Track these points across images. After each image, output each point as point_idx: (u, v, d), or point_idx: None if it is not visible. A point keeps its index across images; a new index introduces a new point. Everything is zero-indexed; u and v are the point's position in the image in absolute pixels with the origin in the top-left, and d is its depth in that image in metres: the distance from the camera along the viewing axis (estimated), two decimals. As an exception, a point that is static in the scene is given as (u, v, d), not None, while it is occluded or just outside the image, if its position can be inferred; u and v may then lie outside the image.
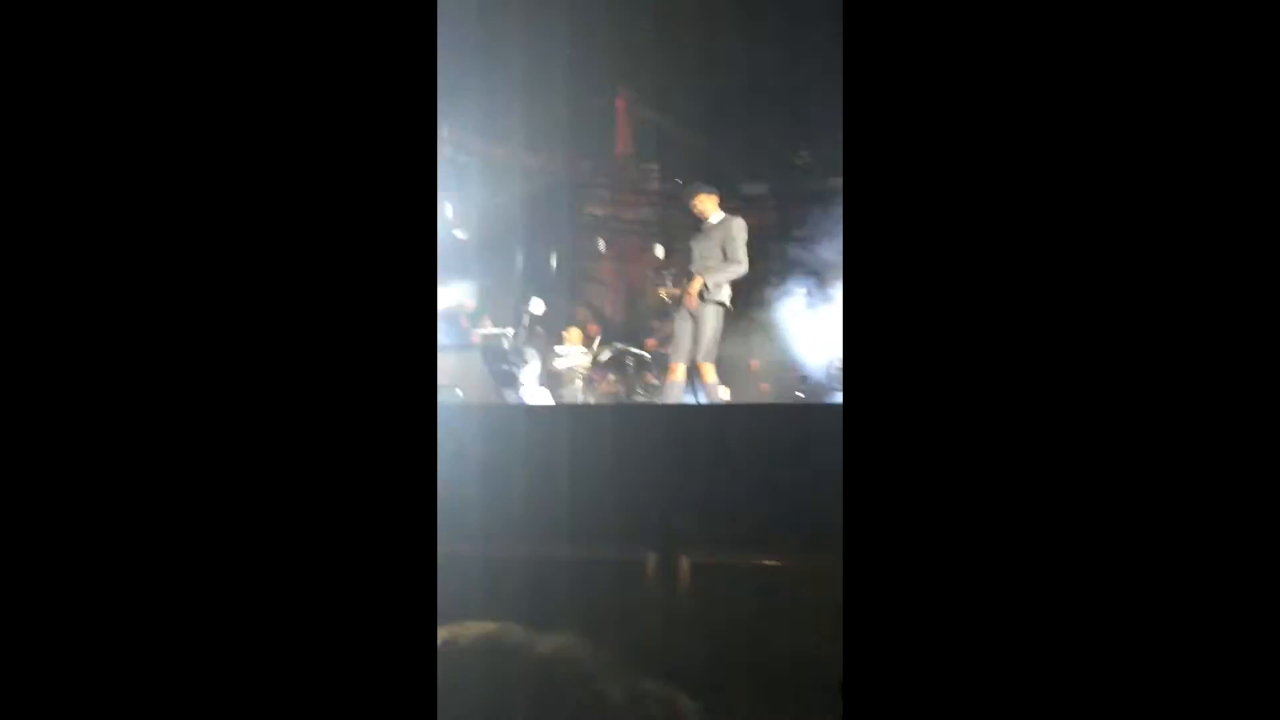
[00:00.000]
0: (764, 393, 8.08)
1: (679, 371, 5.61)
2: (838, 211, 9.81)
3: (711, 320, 5.53)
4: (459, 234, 8.59)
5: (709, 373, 5.58)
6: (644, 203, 9.78)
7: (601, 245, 9.50)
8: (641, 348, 7.70)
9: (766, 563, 3.17)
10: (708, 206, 5.61)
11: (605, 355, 7.48)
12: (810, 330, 8.15)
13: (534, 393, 7.16)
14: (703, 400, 5.54)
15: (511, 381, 6.98)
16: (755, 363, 8.18)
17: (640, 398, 7.11)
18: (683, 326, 5.61)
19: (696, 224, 5.70)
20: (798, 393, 6.78)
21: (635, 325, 9.00)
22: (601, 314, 10.08)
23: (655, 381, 7.17)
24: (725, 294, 5.57)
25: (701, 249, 5.61)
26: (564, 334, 7.94)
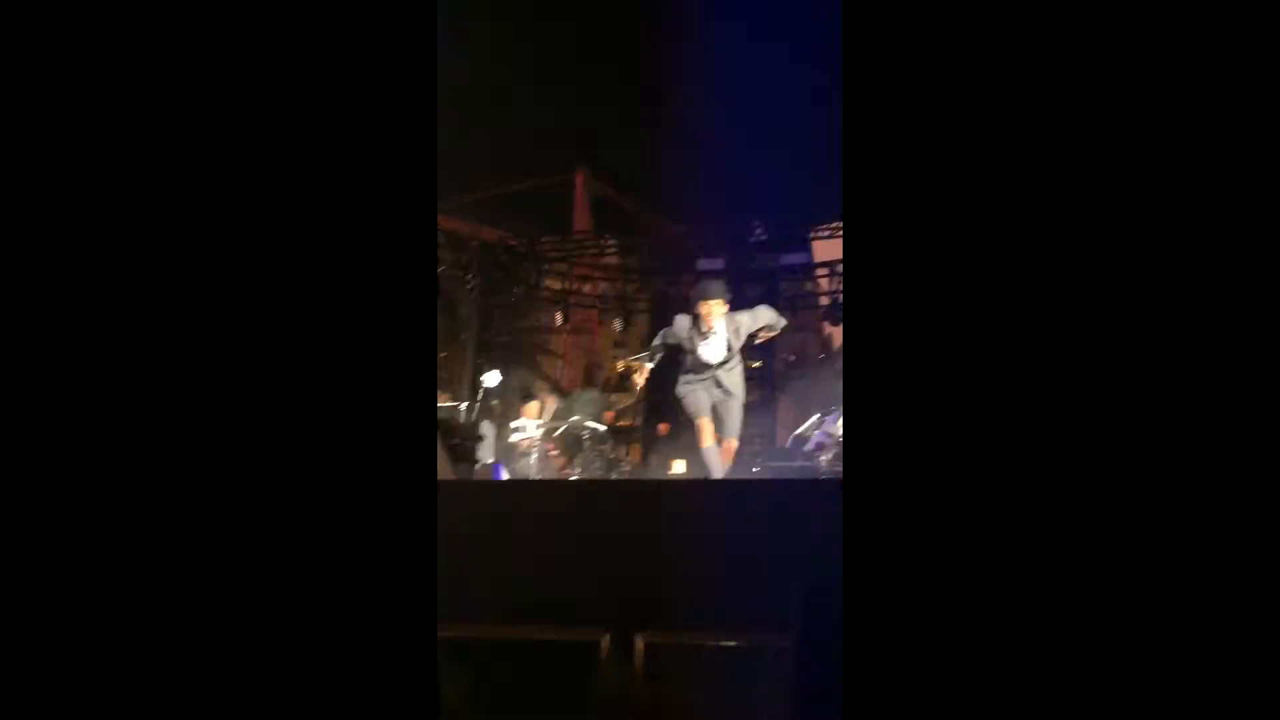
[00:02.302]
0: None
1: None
2: (790, 287, 9.97)
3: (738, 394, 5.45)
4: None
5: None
6: (602, 277, 9.86)
7: (559, 319, 9.52)
8: (599, 420, 7.66)
9: (724, 643, 3.11)
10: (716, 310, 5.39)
11: (560, 429, 7.42)
12: (766, 404, 8.18)
13: (488, 468, 7.05)
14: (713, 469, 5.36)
15: (466, 456, 6.88)
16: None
17: (597, 471, 7.04)
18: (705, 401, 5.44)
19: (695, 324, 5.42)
20: (754, 468, 6.76)
21: (592, 398, 8.97)
22: (558, 387, 10.05)
23: (612, 456, 7.12)
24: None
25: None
26: (523, 407, 7.88)
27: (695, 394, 5.39)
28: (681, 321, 5.47)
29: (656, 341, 5.62)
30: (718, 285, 5.58)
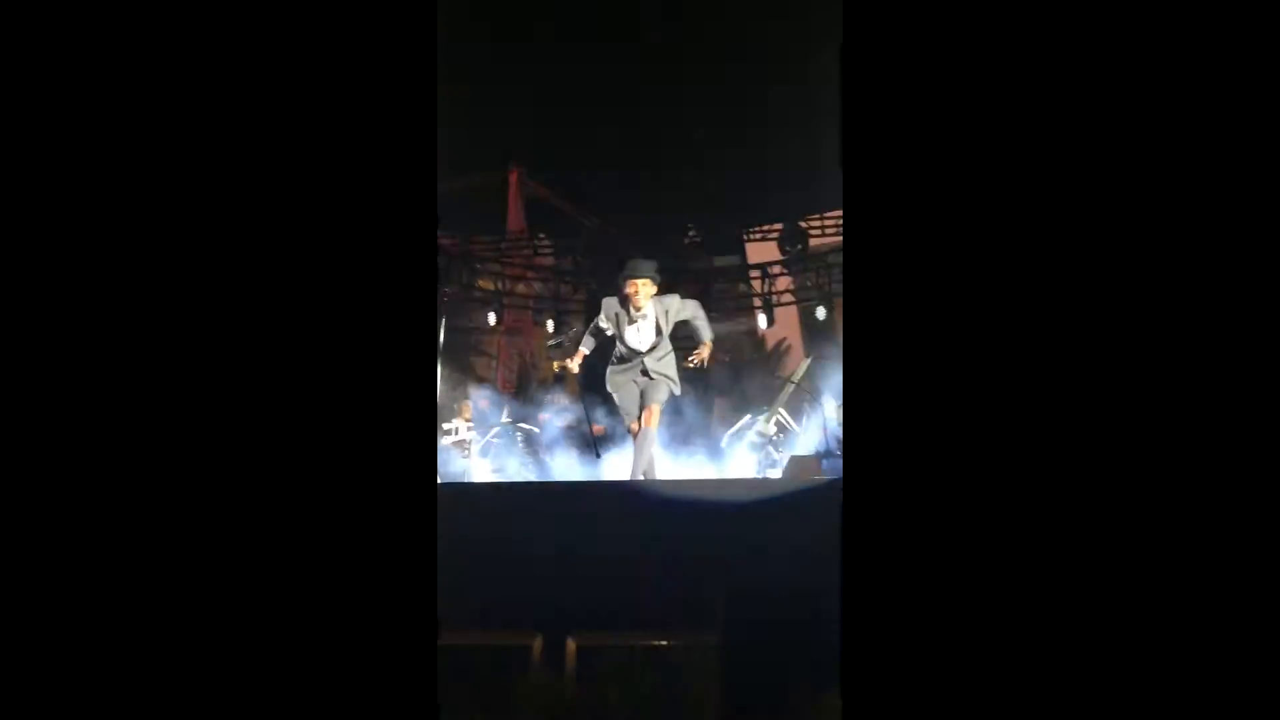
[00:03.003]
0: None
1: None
2: (725, 289, 10.06)
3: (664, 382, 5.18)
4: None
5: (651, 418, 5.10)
6: (535, 278, 9.82)
7: (492, 319, 9.46)
8: (533, 422, 7.64)
9: (653, 643, 3.13)
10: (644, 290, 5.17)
11: (494, 430, 7.38)
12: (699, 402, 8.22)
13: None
14: (643, 455, 5.05)
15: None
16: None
17: (529, 471, 7.02)
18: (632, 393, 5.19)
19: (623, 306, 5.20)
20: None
21: (526, 399, 8.93)
22: (493, 388, 9.97)
23: (546, 457, 7.11)
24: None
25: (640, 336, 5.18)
26: (456, 407, 7.82)
27: (624, 391, 5.15)
28: (610, 304, 5.23)
29: (589, 329, 5.34)
30: (647, 264, 5.27)
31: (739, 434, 7.15)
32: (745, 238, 9.63)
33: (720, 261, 10.01)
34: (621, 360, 5.19)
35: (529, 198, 9.35)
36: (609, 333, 5.24)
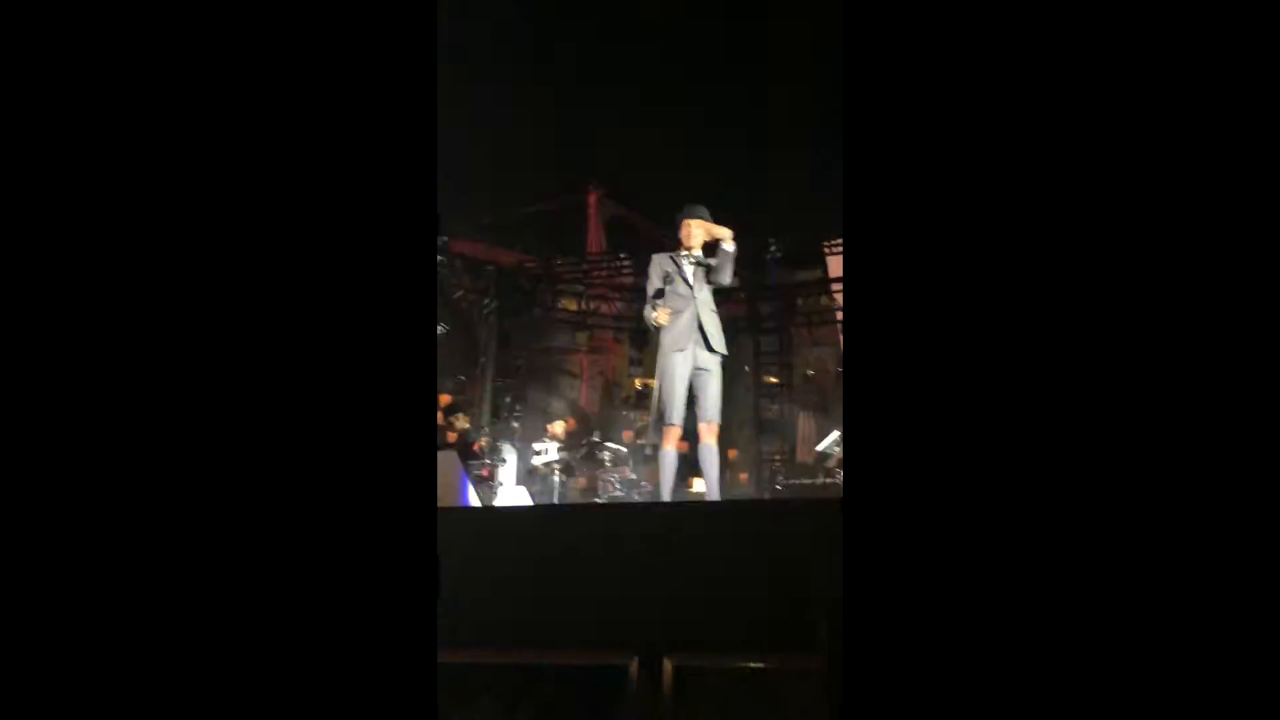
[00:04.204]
0: (743, 483, 8.03)
1: (673, 437, 4.68)
2: (807, 303, 9.96)
3: (718, 372, 4.68)
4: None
5: (712, 434, 4.64)
6: (618, 297, 9.88)
7: (576, 339, 9.54)
8: (619, 441, 7.66)
9: (753, 665, 3.09)
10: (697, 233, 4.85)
11: (581, 450, 7.41)
12: (784, 420, 8.15)
13: (511, 491, 7.06)
14: (712, 473, 4.66)
15: (487, 480, 6.89)
16: (733, 451, 8.15)
17: (618, 493, 7.02)
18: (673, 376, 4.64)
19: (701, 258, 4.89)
20: (777, 485, 6.74)
21: (611, 419, 8.98)
22: (577, 408, 10.05)
23: (632, 475, 7.10)
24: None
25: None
26: (549, 427, 7.88)
27: (674, 381, 4.66)
28: (660, 260, 4.89)
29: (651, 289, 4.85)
30: (702, 208, 4.92)
31: (828, 450, 7.03)
32: (828, 250, 9.53)
33: (802, 275, 9.92)
34: (670, 305, 4.78)
35: (609, 217, 9.43)
36: (667, 286, 4.88)
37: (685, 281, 4.82)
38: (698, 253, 4.86)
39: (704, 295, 4.81)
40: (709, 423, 4.66)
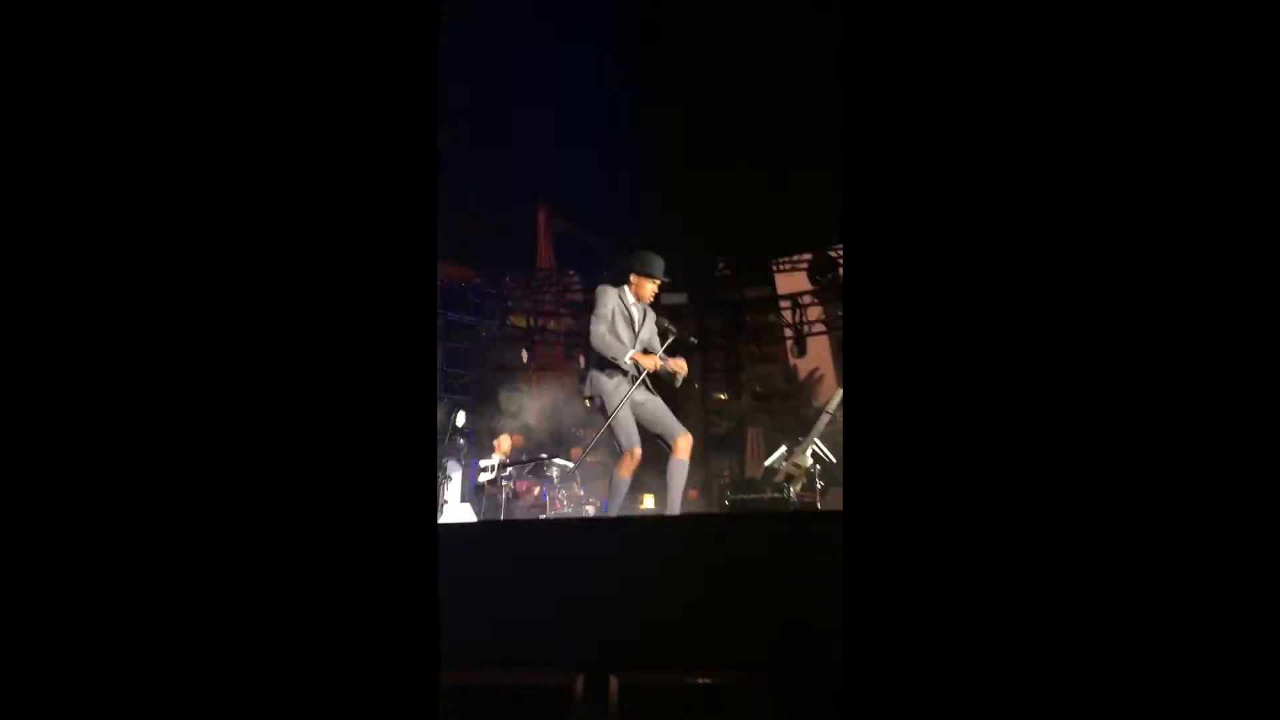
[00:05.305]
0: (693, 500, 8.02)
1: (630, 464, 4.81)
2: (755, 319, 10.03)
3: (655, 397, 4.85)
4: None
5: (687, 449, 4.77)
6: (567, 314, 9.85)
7: (524, 356, 9.49)
8: (566, 457, 7.61)
9: (699, 681, 3.06)
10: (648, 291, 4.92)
11: (528, 467, 7.35)
12: (732, 437, 8.17)
13: (456, 509, 6.96)
14: (676, 490, 4.74)
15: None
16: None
17: (565, 509, 6.97)
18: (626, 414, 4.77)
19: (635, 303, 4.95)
20: (725, 501, 6.75)
21: (560, 435, 8.92)
22: (525, 425, 9.98)
23: (580, 492, 7.06)
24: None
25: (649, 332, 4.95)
26: (495, 443, 7.81)
27: (621, 415, 4.76)
28: (613, 292, 4.88)
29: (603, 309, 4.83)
30: (660, 262, 4.87)
31: (775, 465, 7.06)
32: (775, 268, 9.61)
33: (751, 292, 9.99)
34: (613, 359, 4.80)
35: (557, 234, 9.41)
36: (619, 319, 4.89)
37: (630, 328, 4.92)
38: (645, 306, 4.96)
39: (641, 338, 4.94)
40: (682, 435, 4.80)
